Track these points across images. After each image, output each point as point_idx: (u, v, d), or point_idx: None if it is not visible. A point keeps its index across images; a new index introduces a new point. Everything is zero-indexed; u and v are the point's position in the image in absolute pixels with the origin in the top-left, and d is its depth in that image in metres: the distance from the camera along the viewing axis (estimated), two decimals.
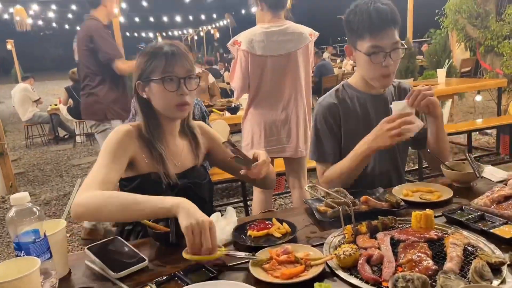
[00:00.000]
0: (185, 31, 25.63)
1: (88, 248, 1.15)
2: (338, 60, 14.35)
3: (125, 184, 1.42)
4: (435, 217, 1.15)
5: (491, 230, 1.09)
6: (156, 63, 1.33)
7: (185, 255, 1.04)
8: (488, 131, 5.33)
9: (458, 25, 6.11)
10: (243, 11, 18.50)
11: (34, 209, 0.97)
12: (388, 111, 1.62)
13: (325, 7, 25.44)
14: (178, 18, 19.93)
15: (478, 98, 6.19)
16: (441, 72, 4.78)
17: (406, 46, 1.50)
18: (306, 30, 2.54)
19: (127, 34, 22.60)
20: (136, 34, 24.92)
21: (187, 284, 0.96)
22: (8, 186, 4.87)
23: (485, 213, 1.18)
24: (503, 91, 5.01)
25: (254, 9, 2.54)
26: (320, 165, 1.67)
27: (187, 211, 1.06)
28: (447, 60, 5.54)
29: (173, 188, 1.40)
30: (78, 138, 7.68)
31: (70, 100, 7.33)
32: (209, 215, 1.14)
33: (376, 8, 1.44)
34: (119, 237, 1.24)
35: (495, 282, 0.88)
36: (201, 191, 1.49)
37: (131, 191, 1.33)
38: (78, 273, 1.10)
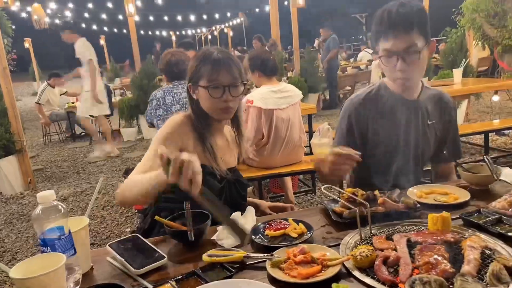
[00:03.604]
0: (198, 30, 25.73)
1: (109, 245, 1.19)
2: (352, 60, 14.23)
3: None
4: (452, 219, 1.15)
5: (509, 234, 1.08)
6: (204, 70, 1.44)
7: (205, 258, 1.07)
8: (506, 131, 5.25)
9: (475, 24, 6.00)
10: (257, 10, 18.50)
11: (59, 206, 1.00)
12: (418, 117, 1.63)
13: (339, 5, 25.28)
14: (192, 17, 20.04)
15: (495, 98, 6.10)
16: (458, 72, 4.72)
17: (420, 50, 1.45)
18: (295, 88, 3.20)
19: (142, 32, 22.80)
20: (150, 33, 25.12)
21: (206, 281, 0.98)
22: (27, 182, 4.98)
23: (503, 216, 1.18)
24: None
25: (250, 76, 3.21)
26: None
27: None
28: (463, 60, 5.46)
29: (221, 180, 1.51)
30: (94, 136, 7.78)
31: None
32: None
33: (389, 11, 1.44)
34: (138, 235, 1.28)
35: None
36: (243, 189, 1.60)
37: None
38: (100, 269, 1.13)
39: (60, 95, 7.94)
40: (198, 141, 1.47)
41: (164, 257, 1.12)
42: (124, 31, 18.51)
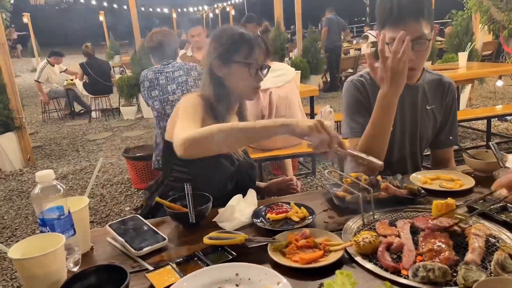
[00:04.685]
0: (200, 8, 25.31)
1: (109, 225, 1.18)
2: (355, 42, 14.06)
3: None
4: (456, 206, 1.14)
5: None
6: (242, 46, 1.41)
7: (206, 240, 1.06)
8: (508, 117, 5.22)
9: (482, 7, 5.91)
10: None
11: (59, 186, 0.98)
12: (417, 102, 1.60)
13: None
14: None
15: (499, 83, 6.04)
16: (463, 56, 4.65)
17: (430, 38, 1.42)
18: (287, 65, 3.20)
19: (142, 9, 22.42)
20: (151, 9, 24.68)
21: (207, 264, 0.98)
22: (26, 159, 4.97)
23: (508, 204, 1.17)
24: None
25: None
26: (352, 142, 1.64)
27: (298, 120, 1.15)
28: (469, 44, 5.37)
29: (233, 163, 1.48)
30: (93, 114, 7.75)
31: (85, 76, 7.37)
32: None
33: None
34: (138, 215, 1.27)
35: None
36: (252, 172, 1.58)
37: (190, 162, 1.36)
38: (99, 249, 1.12)
39: (60, 72, 7.86)
40: (213, 121, 1.40)
41: (165, 238, 1.11)
42: (125, 7, 18.16)
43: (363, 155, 1.20)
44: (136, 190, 4.02)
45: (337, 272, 0.80)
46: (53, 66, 7.62)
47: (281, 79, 3.01)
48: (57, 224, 0.97)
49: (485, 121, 4.47)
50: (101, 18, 16.58)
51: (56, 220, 0.97)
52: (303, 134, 1.12)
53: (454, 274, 0.87)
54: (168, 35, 2.97)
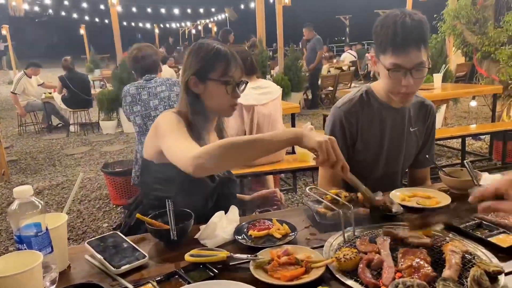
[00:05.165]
0: (183, 24, 25.47)
1: (88, 242, 1.15)
2: (335, 61, 14.36)
3: (161, 171, 1.41)
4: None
5: (489, 239, 1.11)
6: (218, 64, 1.39)
7: (187, 258, 1.05)
8: (481, 136, 5.39)
9: (456, 30, 6.15)
10: (242, 6, 18.43)
11: (37, 202, 0.96)
12: (403, 124, 1.64)
13: (324, 6, 25.44)
14: (176, 11, 19.79)
15: (473, 103, 6.26)
16: (438, 77, 4.81)
17: (429, 66, 1.44)
18: (274, 84, 3.22)
19: (124, 23, 22.38)
20: (133, 24, 24.65)
21: (188, 282, 0.97)
22: (0, 174, 4.82)
23: (483, 221, 1.20)
24: (498, 97, 5.07)
25: None
26: (325, 170, 1.67)
27: (313, 133, 1.13)
28: (443, 65, 5.57)
29: (213, 180, 1.46)
30: (71, 128, 7.61)
31: (64, 89, 7.25)
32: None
33: (403, 24, 1.37)
34: (118, 232, 1.24)
35: None
36: (233, 187, 1.57)
37: (169, 180, 1.39)
38: (77, 267, 1.10)
39: (38, 85, 7.72)
40: (193, 139, 1.33)
41: (145, 256, 1.09)
42: (106, 21, 18.12)
43: (361, 185, 1.22)
44: (114, 206, 3.94)
45: None
46: (30, 77, 7.47)
47: (266, 97, 3.03)
48: (35, 242, 0.95)
49: (460, 139, 4.61)
50: (82, 31, 16.47)
51: (34, 237, 0.95)
52: (311, 148, 1.11)
53: None
54: (147, 50, 2.97)
